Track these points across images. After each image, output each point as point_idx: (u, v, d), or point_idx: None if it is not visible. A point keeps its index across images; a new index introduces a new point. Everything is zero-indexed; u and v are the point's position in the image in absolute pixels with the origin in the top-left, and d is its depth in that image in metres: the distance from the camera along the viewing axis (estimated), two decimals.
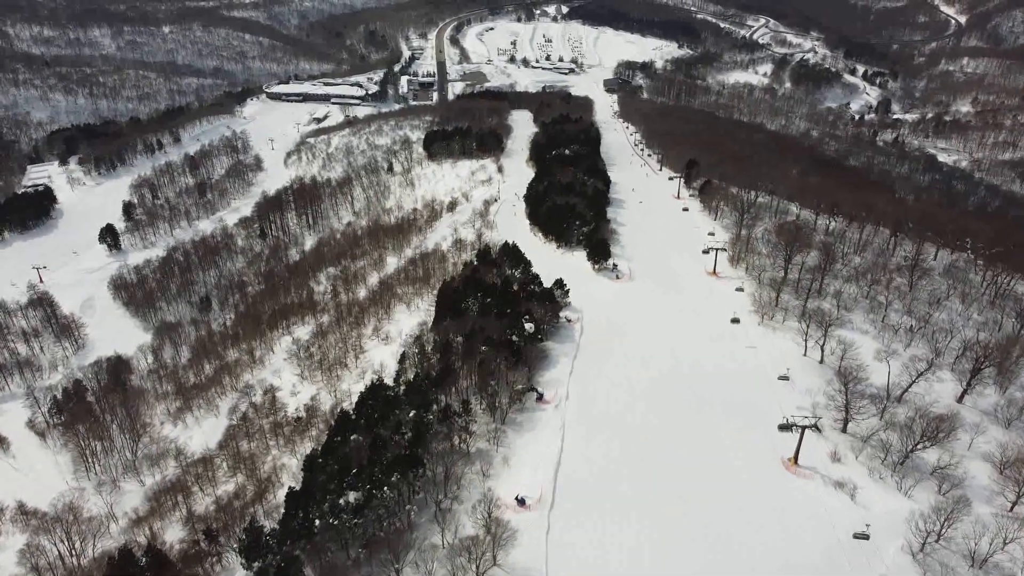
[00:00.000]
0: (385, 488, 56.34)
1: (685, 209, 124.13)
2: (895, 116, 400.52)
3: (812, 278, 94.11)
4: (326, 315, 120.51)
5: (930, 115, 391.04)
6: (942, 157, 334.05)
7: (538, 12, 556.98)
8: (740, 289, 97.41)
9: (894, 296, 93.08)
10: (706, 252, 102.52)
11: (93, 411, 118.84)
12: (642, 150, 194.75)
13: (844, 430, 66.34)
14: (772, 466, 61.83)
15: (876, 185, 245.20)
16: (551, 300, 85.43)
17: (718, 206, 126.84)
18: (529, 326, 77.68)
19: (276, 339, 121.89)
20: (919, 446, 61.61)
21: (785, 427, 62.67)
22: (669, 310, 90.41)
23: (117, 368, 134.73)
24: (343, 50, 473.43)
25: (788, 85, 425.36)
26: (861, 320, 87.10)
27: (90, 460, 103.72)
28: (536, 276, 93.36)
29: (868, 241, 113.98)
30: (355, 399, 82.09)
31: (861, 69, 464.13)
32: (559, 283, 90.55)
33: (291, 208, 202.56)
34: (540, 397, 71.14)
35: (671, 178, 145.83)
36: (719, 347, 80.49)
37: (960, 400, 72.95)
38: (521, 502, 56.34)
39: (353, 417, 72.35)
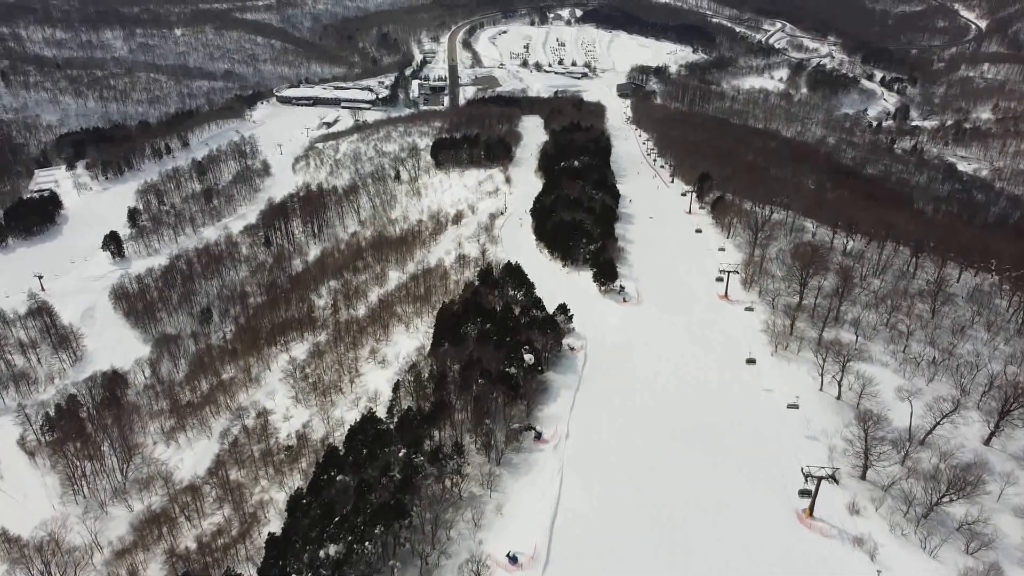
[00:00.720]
0: (367, 543, 52.44)
1: (698, 231, 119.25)
2: (913, 123, 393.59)
3: (829, 304, 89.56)
4: (324, 333, 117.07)
5: (949, 122, 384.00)
6: (962, 166, 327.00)
7: (552, 16, 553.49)
8: (750, 309, 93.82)
9: (915, 324, 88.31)
10: (720, 279, 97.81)
11: (85, 429, 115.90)
12: (654, 160, 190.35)
13: (863, 477, 61.89)
14: (785, 518, 57.46)
15: (895, 196, 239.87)
16: (553, 328, 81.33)
17: (731, 222, 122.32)
18: (529, 357, 73.63)
19: (273, 356, 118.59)
20: (945, 499, 57.12)
21: (805, 491, 57.68)
22: (678, 338, 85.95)
23: (113, 383, 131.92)
24: (355, 53, 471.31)
25: (804, 91, 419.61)
26: (881, 351, 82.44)
27: (79, 483, 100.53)
28: (539, 300, 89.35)
29: (888, 262, 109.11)
30: (348, 427, 78.92)
31: (879, 75, 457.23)
32: (562, 308, 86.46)
33: (296, 216, 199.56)
34: (538, 436, 67.05)
35: (683, 194, 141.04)
36: (731, 382, 75.79)
37: (987, 443, 68.36)
38: (513, 560, 52.28)
39: (342, 453, 68.79)
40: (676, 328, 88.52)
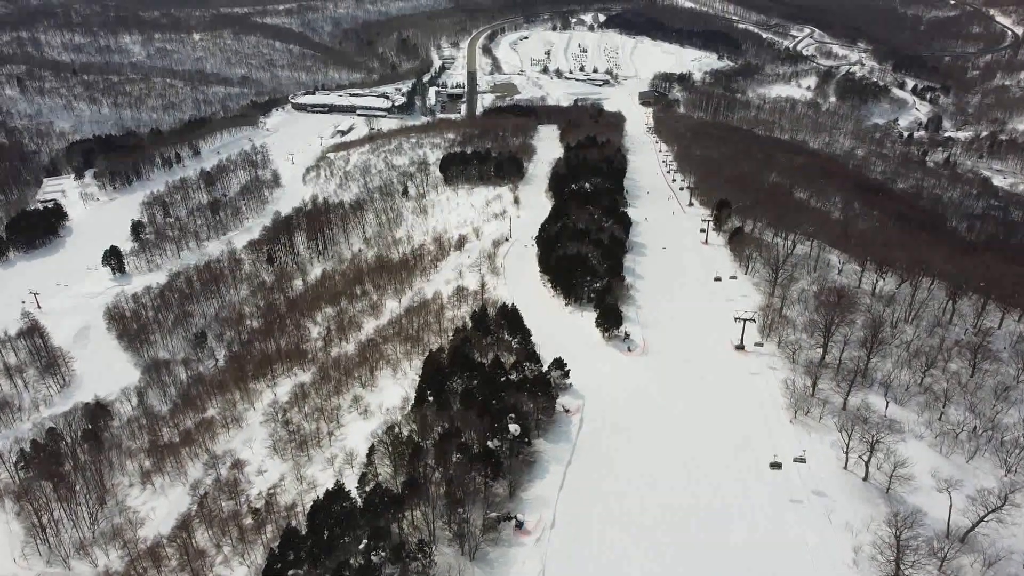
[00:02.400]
0: None
1: (718, 279, 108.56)
2: (947, 134, 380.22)
3: (856, 363, 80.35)
4: (312, 370, 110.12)
5: (984, 133, 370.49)
6: (997, 180, 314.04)
7: (574, 20, 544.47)
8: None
9: (953, 384, 79.12)
10: (739, 347, 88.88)
11: (62, 467, 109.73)
12: (673, 180, 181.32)
13: None
14: None
15: (926, 215, 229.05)
16: (546, 390, 73.01)
17: (750, 256, 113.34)
18: (514, 428, 65.49)
19: (258, 394, 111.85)
20: None
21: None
22: (687, 401, 76.90)
23: (96, 415, 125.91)
24: (374, 58, 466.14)
25: (833, 100, 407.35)
26: (914, 420, 73.38)
27: (43, 532, 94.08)
28: (533, 352, 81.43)
29: (922, 307, 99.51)
30: (318, 491, 72.19)
31: (911, 83, 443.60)
32: (558, 363, 78.33)
33: (302, 231, 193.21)
34: (520, 525, 59.01)
35: (703, 228, 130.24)
36: (747, 463, 66.46)
37: None
38: None
39: (303, 533, 61.53)
40: (685, 388, 79.62)
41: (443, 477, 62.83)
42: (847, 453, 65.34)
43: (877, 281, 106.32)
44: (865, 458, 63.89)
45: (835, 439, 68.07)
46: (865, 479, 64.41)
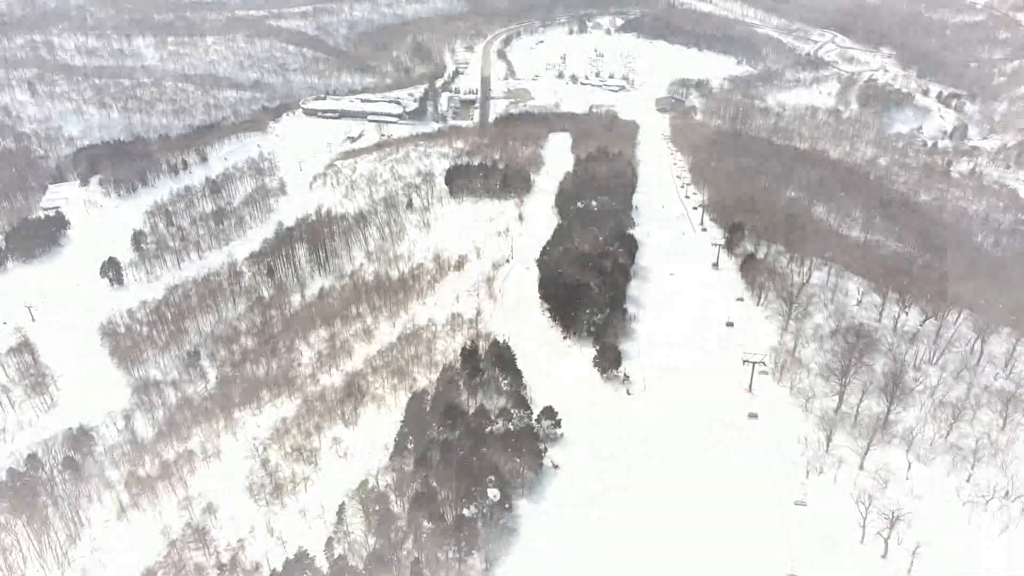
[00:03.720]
0: None
1: (730, 324, 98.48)
2: (972, 143, 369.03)
3: (875, 421, 73.34)
4: (297, 400, 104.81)
5: (1012, 143, 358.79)
6: None
7: (591, 25, 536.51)
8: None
9: (983, 441, 72.09)
10: (752, 396, 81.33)
11: (38, 498, 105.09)
12: (687, 196, 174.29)
13: None
14: None
15: (950, 227, 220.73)
16: (532, 445, 66.84)
17: (763, 285, 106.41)
18: (494, 494, 59.44)
19: (242, 423, 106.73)
20: None
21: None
22: (687, 456, 70.08)
23: (78, 442, 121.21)
24: (388, 62, 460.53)
25: (854, 107, 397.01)
26: (940, 482, 66.57)
27: (10, 575, 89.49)
28: (522, 397, 75.38)
29: (949, 344, 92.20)
30: (288, 549, 67.06)
31: (935, 90, 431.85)
32: (548, 411, 72.19)
33: (304, 243, 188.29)
34: None
35: (714, 261, 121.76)
36: (753, 533, 59.70)
37: None
38: None
39: None
40: (686, 440, 72.79)
41: (414, 546, 57.03)
42: (864, 528, 58.66)
43: (899, 315, 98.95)
44: (884, 534, 57.27)
45: (852, 506, 61.36)
46: (884, 557, 57.78)
